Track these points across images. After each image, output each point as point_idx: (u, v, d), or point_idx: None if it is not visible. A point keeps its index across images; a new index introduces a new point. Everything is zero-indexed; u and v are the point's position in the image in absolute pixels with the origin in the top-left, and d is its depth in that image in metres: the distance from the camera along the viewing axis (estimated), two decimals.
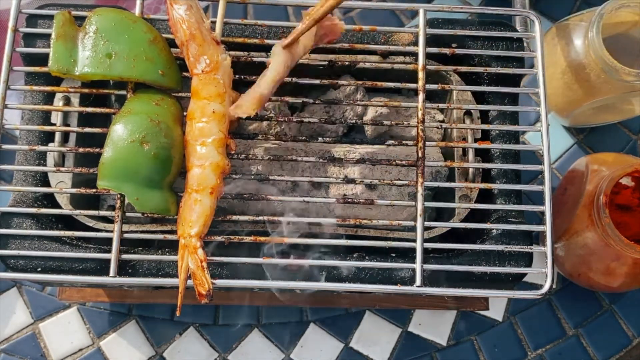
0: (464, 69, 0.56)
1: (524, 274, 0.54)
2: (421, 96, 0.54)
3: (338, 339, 0.70)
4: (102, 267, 0.52)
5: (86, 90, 0.55)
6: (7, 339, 0.69)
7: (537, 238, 0.57)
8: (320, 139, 0.55)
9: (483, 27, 0.59)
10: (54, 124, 0.56)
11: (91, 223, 0.54)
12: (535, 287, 0.52)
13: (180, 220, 0.50)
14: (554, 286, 0.57)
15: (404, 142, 0.54)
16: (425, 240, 0.52)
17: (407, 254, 0.54)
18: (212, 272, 0.52)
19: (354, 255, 0.54)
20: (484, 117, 0.59)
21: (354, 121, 0.57)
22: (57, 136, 0.56)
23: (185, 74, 0.53)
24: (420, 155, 0.53)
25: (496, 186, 0.55)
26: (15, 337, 0.69)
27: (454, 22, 0.59)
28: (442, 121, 0.62)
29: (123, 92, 0.53)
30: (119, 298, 0.67)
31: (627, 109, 0.71)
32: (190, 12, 0.52)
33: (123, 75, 0.52)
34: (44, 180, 0.56)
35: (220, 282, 0.51)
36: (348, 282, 0.53)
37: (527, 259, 0.53)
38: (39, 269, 0.53)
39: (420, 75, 0.55)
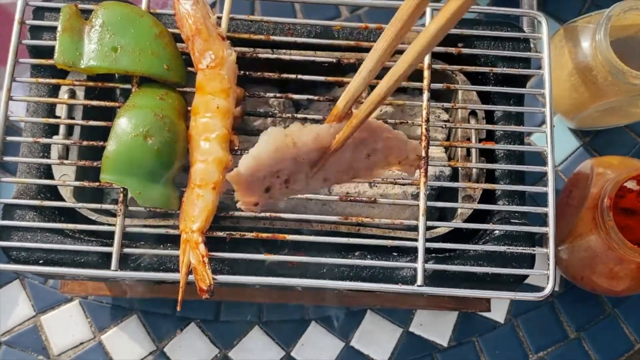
0: (469, 68, 0.56)
1: (526, 276, 0.53)
2: (426, 95, 0.54)
3: (339, 338, 0.70)
4: (104, 261, 0.53)
5: (91, 84, 0.55)
6: (9, 331, 0.69)
7: (540, 240, 0.57)
8: None
9: (490, 27, 0.58)
10: (59, 117, 0.56)
11: (94, 216, 0.55)
12: (538, 289, 0.52)
13: (183, 215, 0.50)
14: (556, 289, 0.57)
15: None
16: (427, 240, 0.52)
17: (409, 254, 0.54)
18: (214, 267, 0.52)
19: (356, 253, 0.54)
20: (489, 117, 0.59)
21: None
22: (62, 129, 0.56)
23: (190, 69, 0.53)
24: (423, 154, 0.52)
25: (500, 187, 0.55)
26: (17, 330, 0.69)
27: (461, 21, 0.58)
28: (447, 121, 0.61)
29: (128, 86, 0.54)
30: (120, 292, 0.67)
31: (634, 112, 0.71)
32: (197, 7, 0.52)
33: (128, 69, 0.52)
34: (47, 172, 0.56)
35: (222, 278, 0.51)
36: (349, 280, 0.53)
37: (529, 261, 0.53)
38: (41, 261, 0.53)
39: (426, 74, 0.54)
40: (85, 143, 0.54)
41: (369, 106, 0.46)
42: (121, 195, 0.51)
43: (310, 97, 0.55)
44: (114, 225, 0.51)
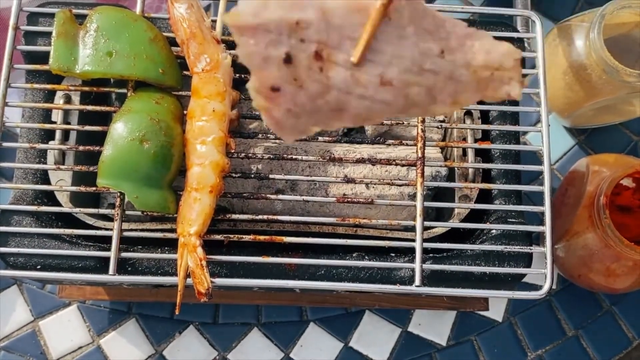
0: None
1: (524, 275, 0.54)
2: None
3: (338, 339, 0.70)
4: (101, 265, 0.52)
5: (87, 89, 0.55)
6: (7, 337, 0.69)
7: (537, 238, 0.57)
8: (320, 138, 0.55)
9: (484, 27, 0.59)
10: (55, 122, 0.56)
11: (91, 221, 0.55)
12: (535, 287, 0.52)
13: (180, 218, 0.50)
14: (553, 287, 0.57)
15: (404, 142, 0.54)
16: (424, 240, 0.52)
17: (407, 254, 0.54)
18: (211, 270, 0.52)
19: (354, 254, 0.54)
20: (485, 117, 0.59)
21: None
22: (58, 134, 0.56)
23: (185, 72, 0.54)
24: (420, 155, 0.53)
25: (496, 186, 0.55)
26: (16, 335, 0.69)
27: None
28: (443, 121, 0.62)
29: (123, 91, 0.54)
30: (118, 296, 0.67)
31: (628, 110, 0.71)
32: (191, 10, 0.52)
33: (123, 74, 0.52)
34: (44, 178, 0.56)
35: (220, 281, 0.51)
36: (347, 281, 0.54)
37: (526, 260, 0.53)
38: (39, 267, 0.53)
39: None
40: (81, 148, 0.54)
41: None
42: (118, 199, 0.51)
43: None
44: (111, 229, 0.51)
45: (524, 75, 0.59)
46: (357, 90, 0.36)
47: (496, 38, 0.57)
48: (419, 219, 0.51)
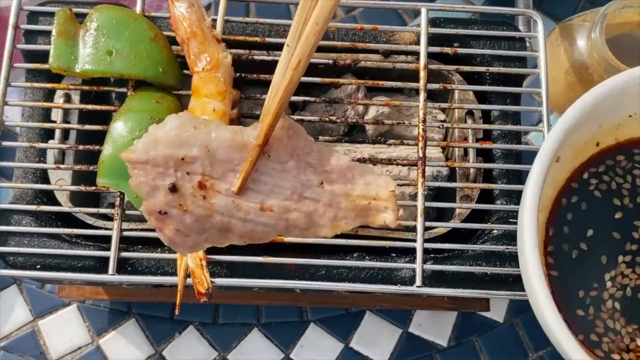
0: (465, 68, 0.56)
1: None
2: (422, 95, 0.54)
3: (338, 339, 0.70)
4: (101, 265, 0.52)
5: (87, 88, 0.55)
6: (7, 337, 0.69)
7: None
8: (321, 137, 0.55)
9: (485, 27, 0.58)
10: (54, 121, 0.56)
11: (91, 221, 0.54)
12: None
13: None
14: None
15: (405, 141, 0.54)
16: (425, 241, 0.52)
17: (408, 254, 0.54)
18: (212, 270, 0.51)
19: (354, 255, 0.54)
20: (486, 117, 0.59)
21: (355, 120, 0.56)
22: (57, 133, 0.56)
23: (185, 71, 0.53)
24: (421, 155, 0.52)
25: (497, 186, 0.55)
26: (15, 335, 0.69)
27: (457, 21, 0.59)
28: (444, 121, 0.61)
29: (123, 90, 0.53)
30: (118, 296, 0.67)
31: None
32: (192, 9, 0.52)
33: (123, 73, 0.52)
34: (43, 177, 0.56)
35: (220, 281, 0.51)
36: (348, 281, 0.53)
37: None
38: (38, 266, 0.53)
39: (422, 74, 0.54)
40: (81, 147, 0.53)
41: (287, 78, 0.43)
42: (118, 199, 0.51)
43: (306, 98, 0.55)
44: (111, 229, 0.51)
45: (523, 77, 0.59)
46: (239, 214, 0.42)
47: (497, 37, 0.58)
48: (420, 219, 0.51)
